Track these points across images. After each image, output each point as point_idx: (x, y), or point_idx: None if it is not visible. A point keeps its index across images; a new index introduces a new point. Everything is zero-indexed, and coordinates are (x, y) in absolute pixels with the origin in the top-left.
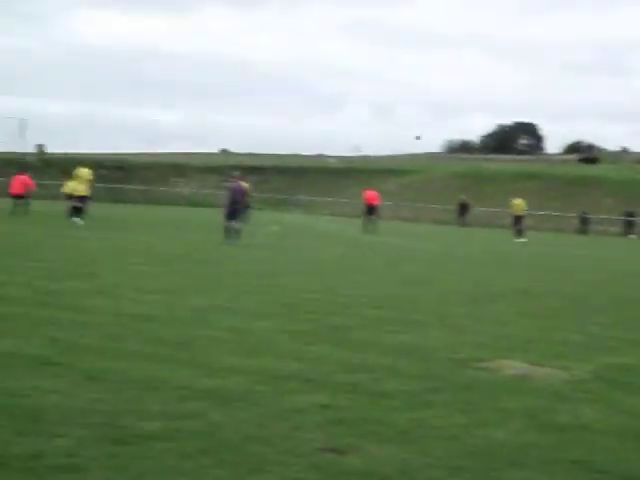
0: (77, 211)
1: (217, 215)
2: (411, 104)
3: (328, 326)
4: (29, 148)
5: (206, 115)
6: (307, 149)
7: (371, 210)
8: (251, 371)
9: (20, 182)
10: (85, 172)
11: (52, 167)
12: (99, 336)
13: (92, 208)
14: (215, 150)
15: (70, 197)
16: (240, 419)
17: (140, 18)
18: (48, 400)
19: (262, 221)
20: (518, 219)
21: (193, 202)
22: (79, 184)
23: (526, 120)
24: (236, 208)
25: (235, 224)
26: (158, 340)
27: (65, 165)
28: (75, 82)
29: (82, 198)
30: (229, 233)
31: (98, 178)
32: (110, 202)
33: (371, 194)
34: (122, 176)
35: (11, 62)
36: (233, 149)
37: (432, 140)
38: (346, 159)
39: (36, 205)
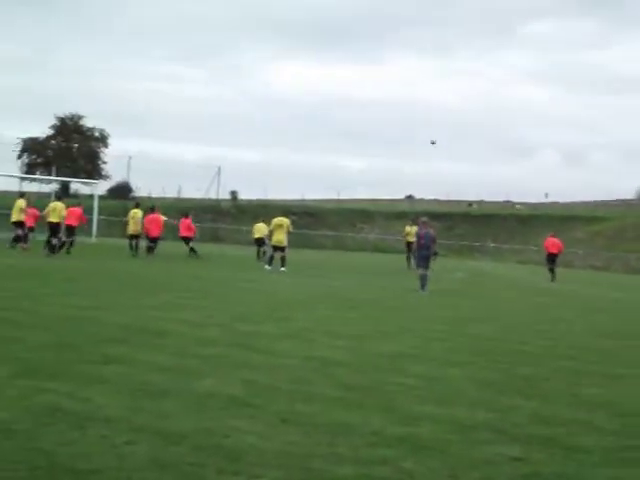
0: (271, 260)
1: (402, 261)
2: (603, 150)
3: (519, 376)
4: (224, 195)
5: (392, 161)
6: (494, 196)
7: (551, 258)
8: (441, 419)
9: (186, 225)
10: (285, 222)
11: (245, 213)
12: (291, 379)
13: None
14: (401, 196)
15: (258, 241)
16: (431, 468)
17: (330, 68)
18: (246, 441)
19: (448, 267)
20: None
21: (379, 248)
22: (279, 234)
23: None
24: (426, 254)
25: (423, 271)
26: (347, 385)
27: (256, 211)
28: (267, 131)
29: (280, 248)
30: (421, 280)
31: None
32: (299, 247)
33: (551, 241)
34: (311, 222)
35: (210, 112)
36: (418, 195)
37: (625, 187)
38: (534, 206)
39: (230, 249)
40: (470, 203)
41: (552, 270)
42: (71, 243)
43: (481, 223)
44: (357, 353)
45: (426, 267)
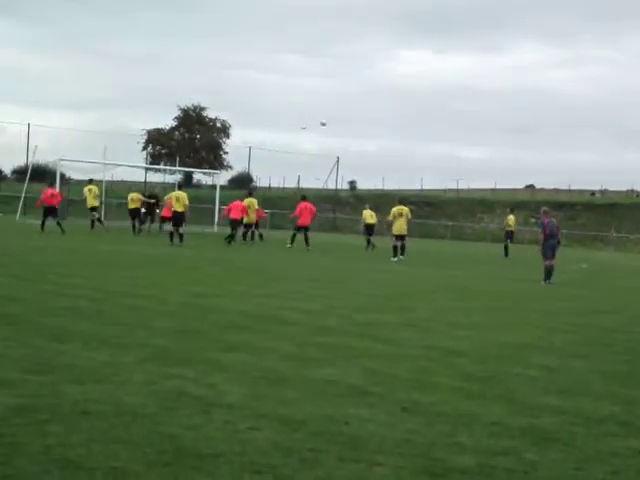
0: (395, 250)
1: (521, 251)
2: None
3: None
4: (342, 185)
5: (512, 150)
6: (617, 185)
7: None
8: (565, 411)
9: (242, 208)
10: (405, 210)
11: (363, 203)
12: (410, 369)
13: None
14: (521, 186)
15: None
16: (555, 460)
17: (450, 57)
18: (366, 428)
19: (571, 258)
20: None
21: (498, 237)
22: (400, 222)
23: None
24: (552, 244)
25: (550, 261)
26: (468, 375)
27: (374, 200)
28: (386, 121)
29: (401, 237)
30: (547, 270)
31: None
32: (418, 237)
33: None
34: (429, 212)
35: (329, 102)
36: (539, 185)
37: None
38: None
39: (348, 239)
40: (593, 192)
41: None
42: (253, 235)
43: (604, 213)
44: (478, 343)
45: (552, 257)
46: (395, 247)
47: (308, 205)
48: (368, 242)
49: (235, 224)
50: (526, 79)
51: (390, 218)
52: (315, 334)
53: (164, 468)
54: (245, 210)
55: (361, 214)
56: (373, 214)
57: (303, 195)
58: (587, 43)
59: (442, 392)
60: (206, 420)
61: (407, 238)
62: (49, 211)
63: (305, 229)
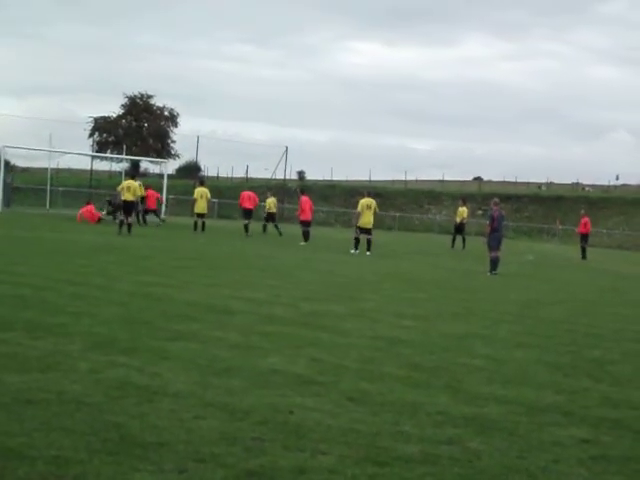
0: (357, 242)
1: (468, 243)
2: None
3: (588, 359)
4: (291, 175)
5: (461, 143)
6: (563, 178)
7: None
8: (508, 401)
9: (251, 198)
10: (372, 203)
11: (311, 193)
12: (357, 358)
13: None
14: (469, 178)
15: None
16: (499, 448)
17: (399, 50)
18: (311, 417)
19: (517, 250)
20: None
21: (446, 229)
22: (367, 216)
23: None
24: (498, 236)
25: (495, 253)
26: (414, 365)
27: (322, 191)
28: (335, 112)
29: (367, 230)
30: (492, 261)
31: (354, 204)
32: None
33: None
34: (378, 203)
35: (278, 93)
36: (486, 177)
37: None
38: (604, 188)
39: (295, 229)
40: (539, 185)
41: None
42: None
43: (550, 205)
44: (424, 333)
45: (498, 249)
46: (357, 239)
47: (308, 199)
48: (264, 228)
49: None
50: (476, 72)
51: (358, 210)
52: (261, 323)
53: (108, 456)
54: (255, 199)
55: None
56: (275, 201)
57: (302, 189)
58: (536, 37)
59: (388, 382)
60: (151, 409)
61: (373, 232)
62: None
63: (308, 224)
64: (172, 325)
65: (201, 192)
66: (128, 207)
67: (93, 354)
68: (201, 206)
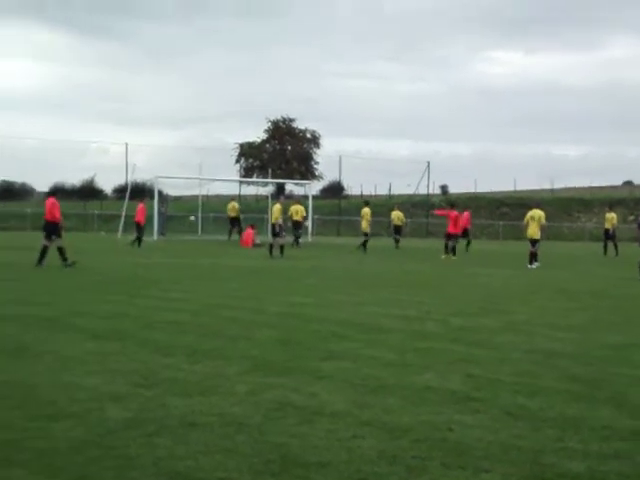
0: (532, 256)
1: (621, 250)
2: None
3: None
4: (434, 189)
5: (609, 147)
6: None
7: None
8: None
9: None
10: (537, 214)
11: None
12: (512, 372)
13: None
14: (618, 183)
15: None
16: None
17: (543, 57)
18: (471, 435)
19: None
20: None
21: (597, 236)
22: (533, 227)
23: None
24: None
25: None
26: (573, 377)
27: (466, 204)
28: (477, 123)
29: (535, 242)
30: None
31: (500, 216)
32: (513, 239)
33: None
34: (523, 213)
35: (422, 107)
36: (638, 181)
37: None
38: None
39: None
40: None
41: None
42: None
43: None
44: (581, 344)
45: None
46: (532, 253)
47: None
48: (396, 242)
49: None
50: (621, 74)
51: (524, 222)
52: (414, 340)
53: (271, 477)
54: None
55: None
56: (401, 215)
57: (452, 203)
58: None
59: (547, 395)
60: (310, 429)
61: (538, 244)
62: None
63: (456, 238)
64: (325, 345)
65: (363, 213)
66: (297, 226)
67: (250, 376)
68: (363, 225)
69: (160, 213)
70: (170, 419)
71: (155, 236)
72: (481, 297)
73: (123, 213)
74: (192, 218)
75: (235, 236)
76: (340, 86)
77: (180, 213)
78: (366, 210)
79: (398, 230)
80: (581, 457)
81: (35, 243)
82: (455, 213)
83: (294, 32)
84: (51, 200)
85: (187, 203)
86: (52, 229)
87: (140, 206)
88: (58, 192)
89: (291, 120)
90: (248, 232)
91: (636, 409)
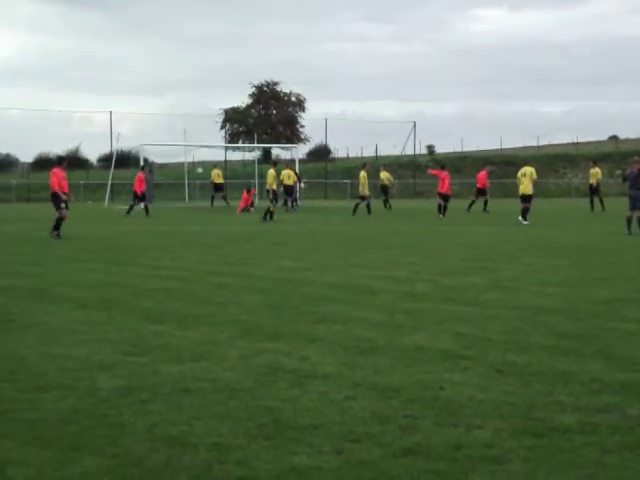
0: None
1: (608, 205)
2: None
3: None
4: (421, 150)
5: (594, 103)
6: None
7: None
8: None
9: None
10: (528, 170)
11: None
12: (502, 330)
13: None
14: (604, 138)
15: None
16: None
17: (527, 13)
18: (462, 392)
19: None
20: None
21: (583, 192)
22: (525, 183)
23: None
24: (634, 194)
25: (639, 212)
26: (561, 333)
27: (453, 163)
28: (461, 82)
29: (528, 198)
30: (637, 221)
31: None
32: (501, 197)
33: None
34: (510, 171)
35: (407, 68)
36: (623, 135)
37: None
38: None
39: (430, 204)
40: None
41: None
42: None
43: None
44: (570, 300)
45: (634, 207)
46: (525, 209)
47: (448, 174)
48: (385, 203)
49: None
50: (607, 29)
51: (518, 179)
52: (403, 301)
53: (265, 441)
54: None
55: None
56: (388, 176)
57: (443, 164)
58: None
59: (536, 351)
60: (302, 392)
61: (533, 200)
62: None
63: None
64: (315, 308)
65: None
66: (290, 191)
67: (242, 341)
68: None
69: (147, 181)
70: (162, 386)
71: (142, 204)
72: (470, 256)
73: (109, 182)
74: (200, 170)
75: (221, 202)
76: (323, 49)
77: (167, 180)
78: (363, 173)
79: (386, 190)
80: (571, 410)
81: (20, 214)
82: (445, 173)
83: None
84: (53, 170)
85: (173, 170)
86: (52, 199)
87: (139, 175)
88: (63, 161)
89: (275, 84)
90: (244, 196)
91: (625, 362)
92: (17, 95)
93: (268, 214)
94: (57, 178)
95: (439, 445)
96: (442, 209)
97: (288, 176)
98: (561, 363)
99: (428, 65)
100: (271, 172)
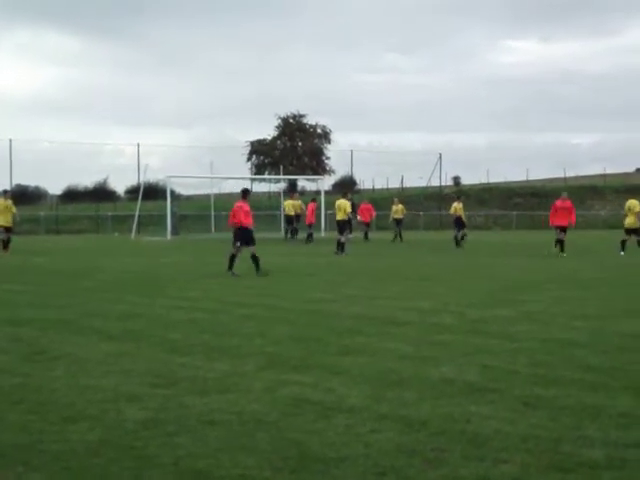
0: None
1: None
2: None
3: None
4: (446, 181)
5: (623, 135)
6: None
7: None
8: None
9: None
10: (634, 204)
11: (469, 198)
12: (529, 363)
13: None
14: (632, 170)
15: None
16: None
17: (556, 44)
18: (488, 426)
19: None
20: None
21: (611, 224)
22: (630, 216)
23: None
24: None
25: None
26: (590, 366)
27: (479, 195)
28: (489, 113)
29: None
30: None
31: (513, 206)
32: (526, 229)
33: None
34: (536, 203)
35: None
36: None
37: None
38: None
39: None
40: None
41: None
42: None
43: None
44: (597, 333)
45: None
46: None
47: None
48: (396, 235)
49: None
50: (636, 60)
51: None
52: (429, 333)
53: (291, 474)
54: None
55: (450, 209)
56: (400, 208)
57: (458, 194)
58: None
59: (564, 385)
60: (328, 424)
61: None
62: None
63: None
64: (341, 340)
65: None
66: (290, 221)
67: (267, 373)
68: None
69: (173, 213)
70: (189, 418)
71: (168, 235)
72: (496, 288)
73: (137, 213)
74: None
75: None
76: (350, 80)
77: (193, 212)
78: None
79: (399, 222)
80: (600, 445)
81: (48, 246)
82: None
83: (303, 29)
84: (237, 204)
85: (199, 202)
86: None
87: (310, 205)
88: (246, 193)
89: (301, 116)
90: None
91: None
92: (46, 128)
93: (339, 246)
94: (242, 212)
95: (466, 479)
96: (456, 239)
97: (292, 206)
98: (589, 397)
99: (456, 96)
100: (342, 202)
